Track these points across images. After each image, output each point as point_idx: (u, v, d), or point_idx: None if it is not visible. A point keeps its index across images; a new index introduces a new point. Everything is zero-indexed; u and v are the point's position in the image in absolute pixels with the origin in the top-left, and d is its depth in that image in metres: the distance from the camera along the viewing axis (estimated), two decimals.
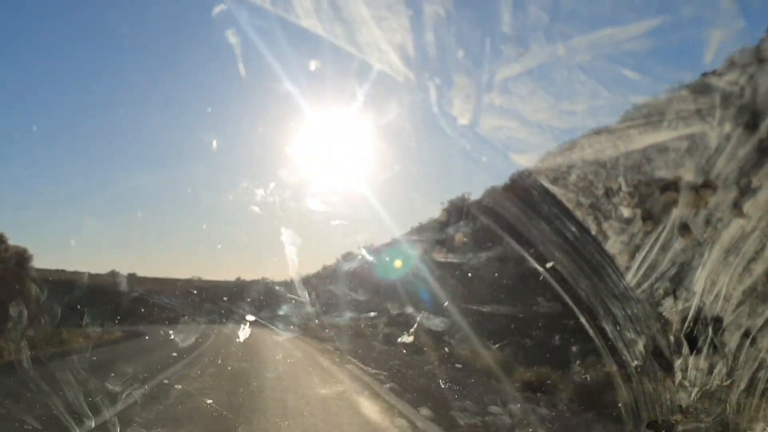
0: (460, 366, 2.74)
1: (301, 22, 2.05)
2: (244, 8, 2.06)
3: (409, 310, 2.59)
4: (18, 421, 2.65)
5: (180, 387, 3.61)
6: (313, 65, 2.20)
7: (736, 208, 2.08)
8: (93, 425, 2.50)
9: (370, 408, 2.99)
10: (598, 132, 2.13)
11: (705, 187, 2.09)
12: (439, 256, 2.44)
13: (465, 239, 2.34)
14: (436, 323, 2.59)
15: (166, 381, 4.01)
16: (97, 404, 2.84)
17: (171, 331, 7.22)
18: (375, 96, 2.25)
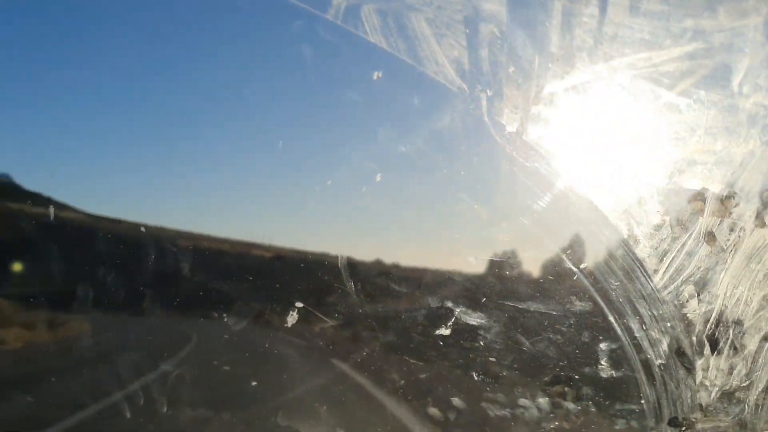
0: (493, 359, 2.95)
1: (369, 37, 2.33)
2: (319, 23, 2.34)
3: (449, 304, 2.82)
4: None
5: None
6: (375, 75, 2.47)
7: (758, 218, 2.26)
8: None
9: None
10: (635, 143, 2.34)
11: (729, 198, 2.27)
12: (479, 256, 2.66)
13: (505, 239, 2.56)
14: (473, 317, 2.82)
15: None
16: None
17: None
18: (431, 103, 2.51)
